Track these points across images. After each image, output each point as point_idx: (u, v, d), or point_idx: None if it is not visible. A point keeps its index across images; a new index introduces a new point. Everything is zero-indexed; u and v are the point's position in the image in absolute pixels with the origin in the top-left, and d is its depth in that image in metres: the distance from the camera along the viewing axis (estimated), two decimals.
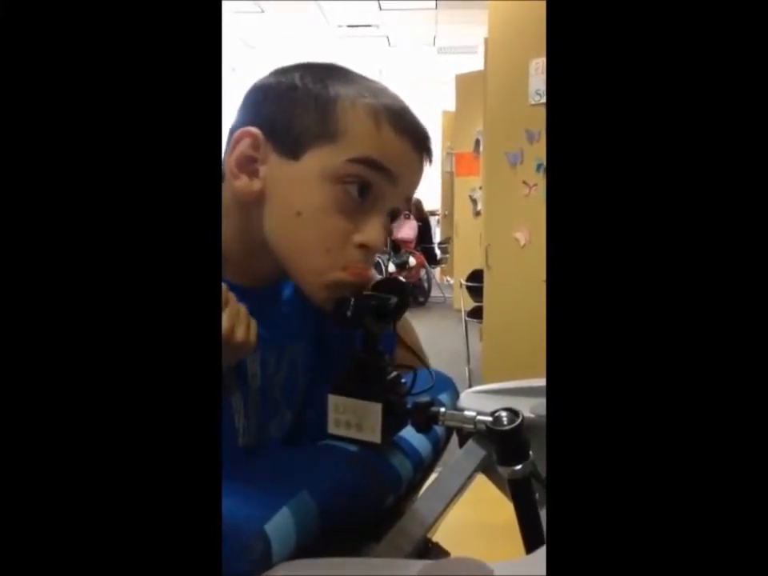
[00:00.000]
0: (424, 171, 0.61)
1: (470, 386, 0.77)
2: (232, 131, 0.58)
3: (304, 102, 0.55)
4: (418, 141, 0.57)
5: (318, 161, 0.54)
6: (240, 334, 0.50)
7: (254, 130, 0.55)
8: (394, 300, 0.57)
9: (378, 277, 0.61)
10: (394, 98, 0.58)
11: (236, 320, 0.50)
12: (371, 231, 0.55)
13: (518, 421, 0.52)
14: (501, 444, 0.53)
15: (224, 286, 0.49)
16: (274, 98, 0.56)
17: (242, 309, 0.51)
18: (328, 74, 0.57)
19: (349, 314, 0.55)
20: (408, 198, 0.60)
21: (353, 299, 0.55)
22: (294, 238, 0.55)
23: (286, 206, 0.55)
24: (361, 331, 0.59)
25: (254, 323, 0.52)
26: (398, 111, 0.56)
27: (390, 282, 0.60)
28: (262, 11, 5.34)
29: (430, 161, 0.60)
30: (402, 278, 0.60)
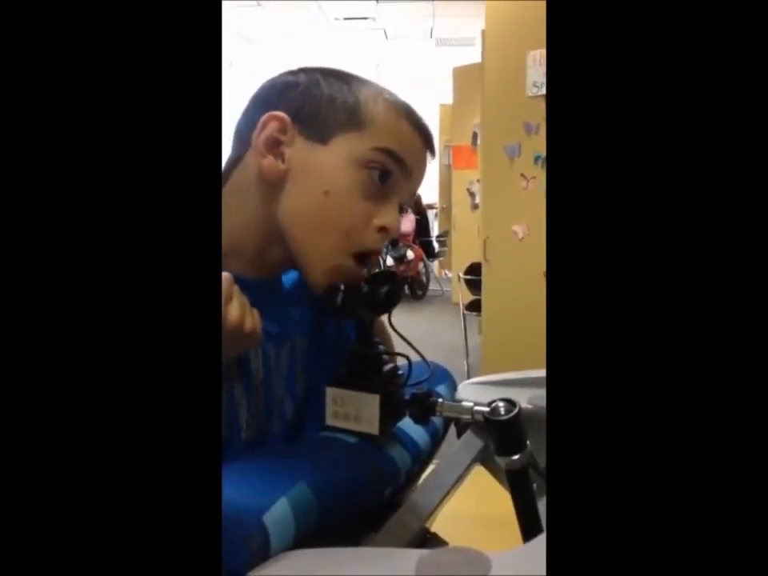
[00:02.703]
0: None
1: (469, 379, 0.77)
2: (240, 129, 0.61)
3: (329, 95, 0.58)
4: (427, 138, 0.62)
5: (346, 146, 0.57)
6: (248, 324, 0.51)
7: (281, 114, 0.58)
8: (384, 289, 0.57)
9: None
10: (403, 99, 0.62)
11: (244, 310, 0.51)
12: (390, 215, 0.59)
13: (515, 411, 0.52)
14: (498, 434, 0.53)
15: (229, 277, 0.50)
16: (297, 91, 0.59)
17: (245, 299, 0.52)
18: (344, 75, 0.61)
19: (339, 302, 0.56)
20: (413, 194, 0.64)
21: (342, 288, 0.56)
22: (318, 216, 0.58)
23: (314, 185, 0.57)
24: (353, 322, 0.60)
25: (256, 313, 0.53)
26: (411, 110, 0.61)
27: (382, 274, 0.61)
28: (259, 5, 5.31)
29: (433, 157, 0.64)
30: (395, 271, 0.61)
